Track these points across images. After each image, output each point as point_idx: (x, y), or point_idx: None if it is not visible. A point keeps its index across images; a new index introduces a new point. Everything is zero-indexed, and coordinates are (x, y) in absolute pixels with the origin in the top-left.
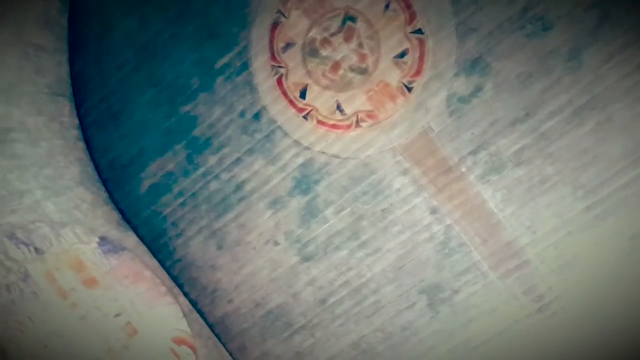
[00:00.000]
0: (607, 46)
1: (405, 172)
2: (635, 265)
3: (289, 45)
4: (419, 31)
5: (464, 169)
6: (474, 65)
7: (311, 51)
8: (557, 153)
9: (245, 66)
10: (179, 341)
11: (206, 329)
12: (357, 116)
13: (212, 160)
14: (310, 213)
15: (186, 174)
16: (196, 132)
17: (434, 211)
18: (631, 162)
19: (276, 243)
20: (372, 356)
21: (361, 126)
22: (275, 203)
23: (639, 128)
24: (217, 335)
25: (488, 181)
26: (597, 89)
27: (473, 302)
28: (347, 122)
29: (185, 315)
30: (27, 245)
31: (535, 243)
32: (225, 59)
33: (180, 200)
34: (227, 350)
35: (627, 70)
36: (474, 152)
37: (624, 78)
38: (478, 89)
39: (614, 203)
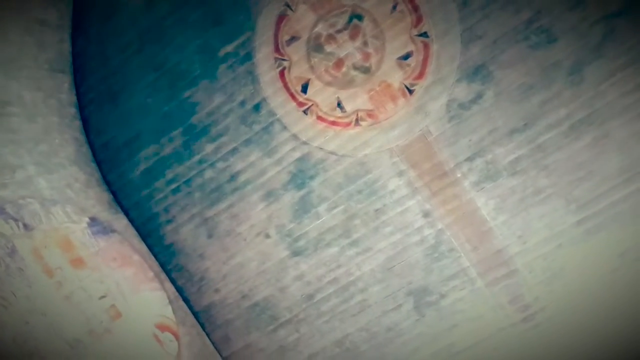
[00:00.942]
0: (609, 63)
1: (401, 173)
2: (622, 281)
3: (293, 38)
4: (424, 34)
5: (459, 175)
6: (476, 73)
7: (316, 46)
8: (552, 165)
9: (248, 56)
10: (163, 327)
11: (191, 317)
12: (357, 114)
13: (209, 148)
14: (303, 208)
15: (181, 160)
16: (194, 119)
17: (426, 214)
18: (625, 179)
19: (267, 236)
20: (356, 355)
21: (360, 125)
22: (269, 196)
23: (635, 146)
24: (201, 324)
25: (482, 188)
26: (597, 104)
27: (459, 307)
28: (346, 120)
29: (170, 301)
30: (16, 220)
31: (525, 253)
32: (229, 48)
33: (174, 186)
34: (211, 340)
35: (628, 88)
36: (470, 159)
37: (624, 95)
38: (479, 96)
39: (605, 219)
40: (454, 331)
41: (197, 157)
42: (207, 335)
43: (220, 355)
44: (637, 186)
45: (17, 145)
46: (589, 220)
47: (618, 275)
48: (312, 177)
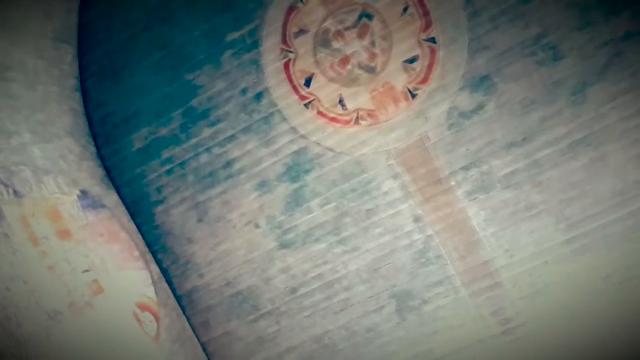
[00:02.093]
0: (612, 86)
1: (395, 176)
2: (605, 303)
3: (301, 31)
4: (432, 40)
5: (453, 183)
6: (480, 83)
7: (323, 41)
8: (546, 182)
9: (255, 44)
10: (143, 307)
11: (172, 300)
12: (358, 113)
13: (206, 132)
14: (295, 201)
15: (178, 142)
16: (195, 102)
17: (417, 219)
18: (617, 203)
19: (257, 225)
20: (333, 352)
21: (360, 124)
22: (263, 186)
23: (630, 171)
24: (182, 307)
25: (475, 199)
26: (596, 126)
27: (441, 314)
28: (347, 118)
29: (153, 282)
30: (6, 186)
31: (511, 267)
32: (236, 34)
33: (168, 167)
34: (190, 324)
35: (628, 112)
36: (465, 168)
37: (624, 120)
38: (480, 106)
39: (593, 240)
40: (433, 337)
41: (193, 141)
42: (187, 319)
43: (199, 340)
44: (628, 211)
45: (14, 111)
46: (577, 240)
47: (601, 297)
48: (307, 172)
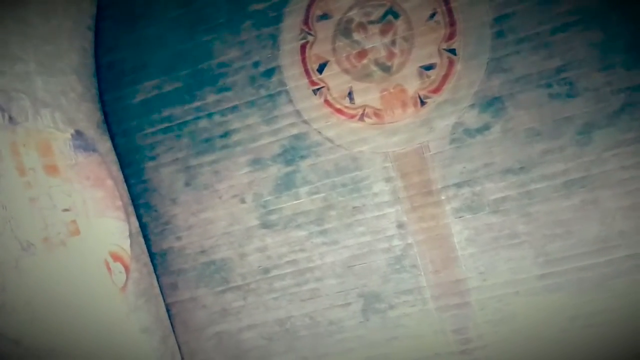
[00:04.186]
0: (619, 133)
1: (388, 179)
2: (568, 343)
3: (325, 15)
4: (452, 51)
5: (443, 197)
6: (490, 104)
7: (344, 30)
8: (534, 215)
9: (276, 20)
10: (116, 257)
11: (146, 256)
12: (364, 110)
13: (211, 98)
14: (285, 184)
15: (180, 102)
16: (205, 65)
17: (400, 226)
18: (598, 249)
19: (242, 201)
20: (293, 338)
21: (364, 121)
22: (256, 163)
23: (618, 220)
24: (154, 265)
25: (461, 217)
26: (595, 169)
27: (404, 322)
28: (352, 112)
29: (130, 235)
30: (2, 110)
31: (482, 290)
32: (259, 6)
33: (166, 125)
34: (159, 283)
35: (629, 163)
36: (458, 185)
37: (623, 169)
38: (486, 127)
39: (567, 281)
40: (392, 343)
41: (196, 104)
42: (157, 277)
43: (164, 300)
44: (607, 259)
45: (25, 38)
46: (552, 277)
47: (565, 336)
48: (302, 157)
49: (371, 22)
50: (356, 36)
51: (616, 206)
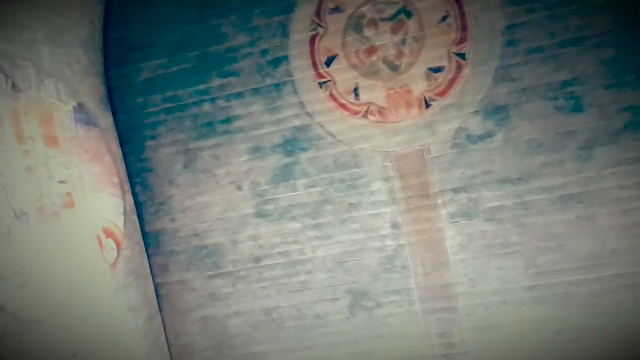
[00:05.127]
0: (620, 152)
1: (387, 179)
2: (550, 356)
3: (337, 9)
4: (462, 55)
5: (439, 201)
6: (495, 112)
7: (355, 25)
8: (528, 226)
9: (288, 9)
10: (108, 233)
11: (138, 234)
12: (369, 107)
13: (216, 82)
14: (283, 175)
15: (185, 84)
16: (213, 49)
17: (395, 226)
18: (589, 265)
19: (239, 188)
20: (278, 328)
21: (368, 118)
22: (256, 151)
23: (611, 238)
24: (146, 244)
25: (455, 222)
26: (593, 186)
27: (390, 321)
28: (356, 108)
29: (125, 212)
30: (7, 77)
31: (470, 296)
32: None
33: (169, 105)
34: (149, 263)
35: (627, 182)
36: (456, 190)
37: (621, 188)
38: (488, 134)
39: (555, 294)
40: (376, 341)
41: (201, 87)
42: (148, 257)
43: (153, 281)
44: (597, 276)
45: (35, 7)
46: (540, 289)
47: (547, 348)
48: (303, 150)
49: (383, 20)
50: (367, 32)
51: (610, 224)
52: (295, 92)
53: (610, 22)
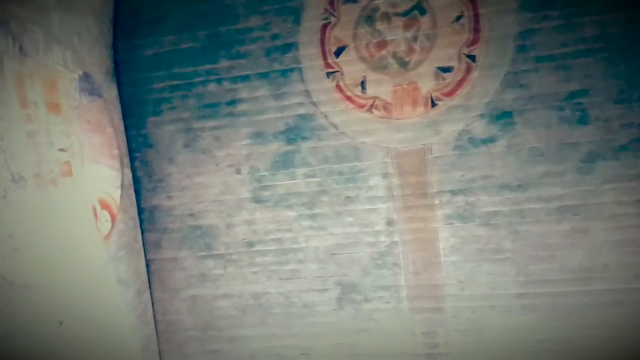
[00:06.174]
0: (621, 168)
1: (386, 175)
2: None
3: None
4: (472, 57)
5: (436, 202)
6: (500, 117)
7: (368, 17)
8: (523, 234)
9: None
10: (104, 205)
11: (134, 209)
12: (374, 101)
13: (223, 63)
14: (282, 163)
15: (193, 62)
16: (223, 29)
17: (389, 223)
18: (580, 278)
19: (238, 171)
20: (265, 314)
21: (372, 112)
22: (257, 136)
23: (604, 253)
24: (141, 220)
25: (450, 224)
26: (591, 199)
27: (376, 316)
28: (362, 101)
29: (122, 186)
30: (14, 39)
31: (458, 298)
32: None
33: (175, 82)
34: (143, 239)
35: (625, 199)
36: (454, 192)
37: (619, 204)
38: (491, 139)
39: (543, 304)
40: (361, 335)
41: (208, 66)
42: (142, 232)
43: (145, 256)
44: (586, 289)
45: None
46: (529, 297)
47: (529, 357)
48: (304, 139)
49: (396, 14)
50: (379, 25)
51: (605, 239)
52: (302, 80)
53: (624, 37)
